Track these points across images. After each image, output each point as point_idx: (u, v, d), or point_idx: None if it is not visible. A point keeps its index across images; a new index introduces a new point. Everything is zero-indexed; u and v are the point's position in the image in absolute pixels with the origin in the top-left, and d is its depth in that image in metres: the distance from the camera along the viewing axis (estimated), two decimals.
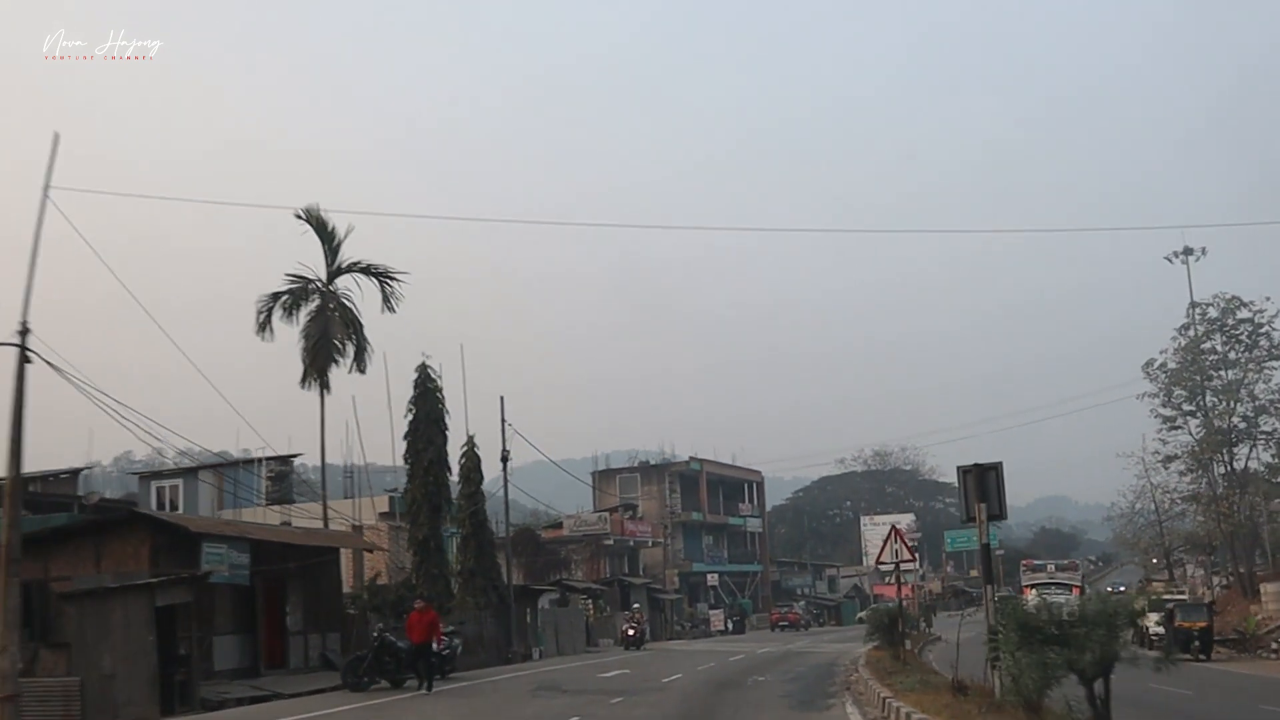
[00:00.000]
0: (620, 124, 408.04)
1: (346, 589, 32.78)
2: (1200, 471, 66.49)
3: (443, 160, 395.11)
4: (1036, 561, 59.78)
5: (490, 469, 39.03)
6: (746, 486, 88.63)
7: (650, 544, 70.25)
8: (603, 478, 79.28)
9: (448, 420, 34.70)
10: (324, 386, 32.22)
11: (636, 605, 47.46)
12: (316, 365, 32.08)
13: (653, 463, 76.82)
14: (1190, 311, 66.90)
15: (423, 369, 34.43)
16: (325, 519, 33.34)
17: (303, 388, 32.66)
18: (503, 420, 40.10)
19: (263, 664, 25.82)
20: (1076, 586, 41.10)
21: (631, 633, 45.35)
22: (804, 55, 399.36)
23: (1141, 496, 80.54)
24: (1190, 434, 66.63)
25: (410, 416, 34.33)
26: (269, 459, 41.01)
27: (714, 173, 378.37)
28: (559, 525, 65.50)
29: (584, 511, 66.26)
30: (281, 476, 42.15)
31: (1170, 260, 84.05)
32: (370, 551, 36.64)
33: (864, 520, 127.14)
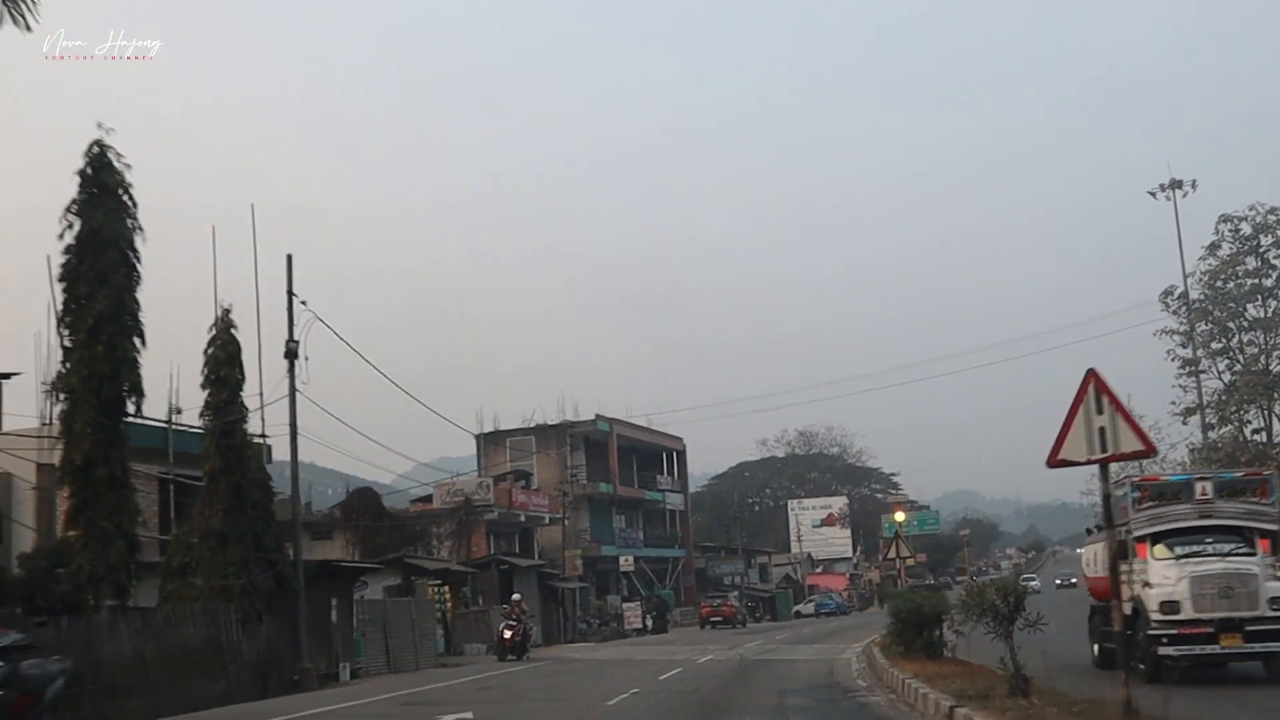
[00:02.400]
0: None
1: None
2: (1235, 425, 53.82)
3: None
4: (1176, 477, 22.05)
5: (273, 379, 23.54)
6: (665, 456, 73.94)
7: (547, 521, 55.04)
8: (490, 442, 63.85)
9: (140, 244, 18.86)
10: None
11: (518, 596, 32.11)
12: None
13: (551, 423, 61.47)
14: (1219, 227, 54.10)
15: (98, 150, 18.48)
16: None
17: None
18: (290, 292, 24.52)
19: None
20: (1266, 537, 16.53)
21: (509, 635, 30.23)
22: None
23: (1125, 465, 68.57)
24: (1219, 379, 54.01)
25: (71, 234, 18.43)
26: None
27: (632, 157, 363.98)
28: (428, 499, 50.07)
29: (458, 477, 50.79)
30: None
31: (1154, 195, 72.40)
32: None
33: (791, 505, 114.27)
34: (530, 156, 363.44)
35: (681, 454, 74.14)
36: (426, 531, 42.10)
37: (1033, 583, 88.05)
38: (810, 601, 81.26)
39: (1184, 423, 55.39)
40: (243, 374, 22.76)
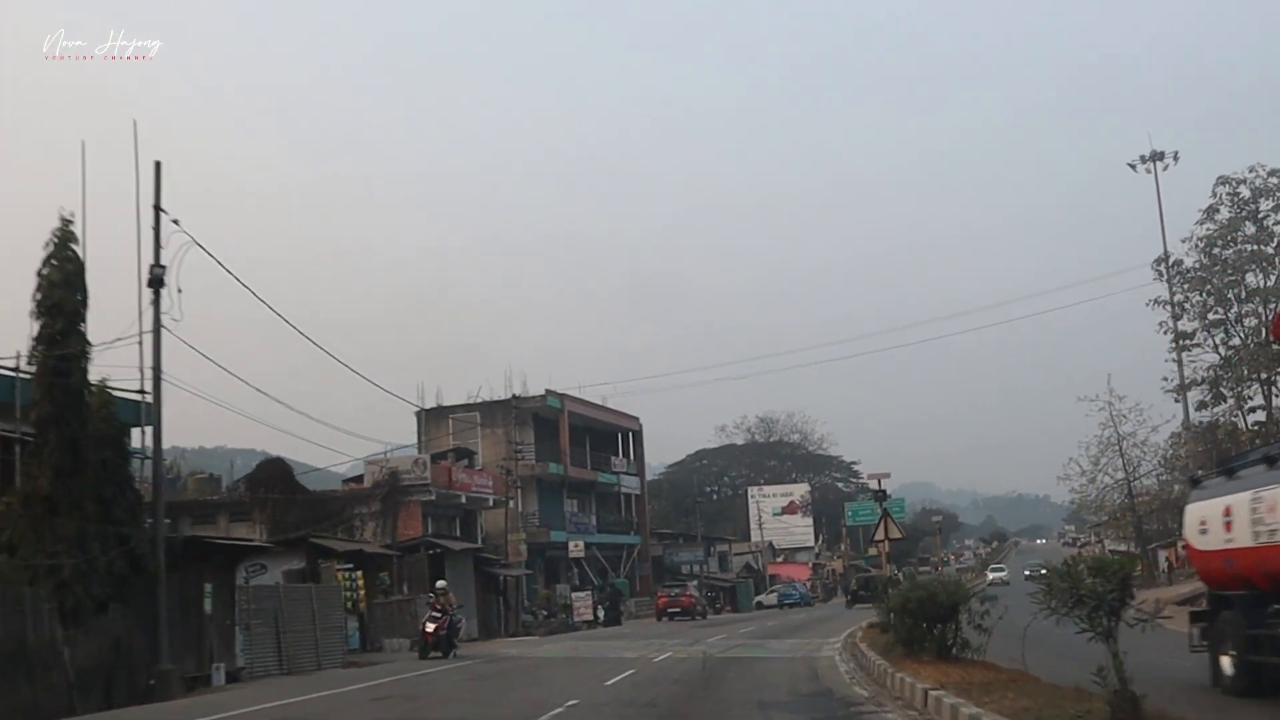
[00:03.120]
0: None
1: None
2: (1231, 403, 50.36)
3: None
4: None
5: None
6: (621, 437, 69.57)
7: (491, 503, 50.49)
8: (432, 419, 59.16)
9: None
10: None
11: (443, 583, 27.34)
12: None
13: (499, 399, 56.77)
14: (1216, 190, 50.46)
15: None
16: None
17: None
18: (157, 206, 19.81)
19: None
20: None
21: (432, 628, 25.68)
22: None
23: (1108, 449, 65.18)
24: (1216, 352, 50.45)
25: None
26: None
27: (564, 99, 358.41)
28: (359, 479, 45.38)
29: (392, 453, 46.11)
30: None
31: (1134, 167, 69.13)
32: None
33: (751, 492, 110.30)
34: (489, 132, 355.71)
35: (638, 435, 69.79)
36: (349, 511, 37.36)
37: (1000, 573, 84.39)
38: (772, 592, 77.27)
39: (1176, 400, 51.94)
40: (85, 300, 18.02)
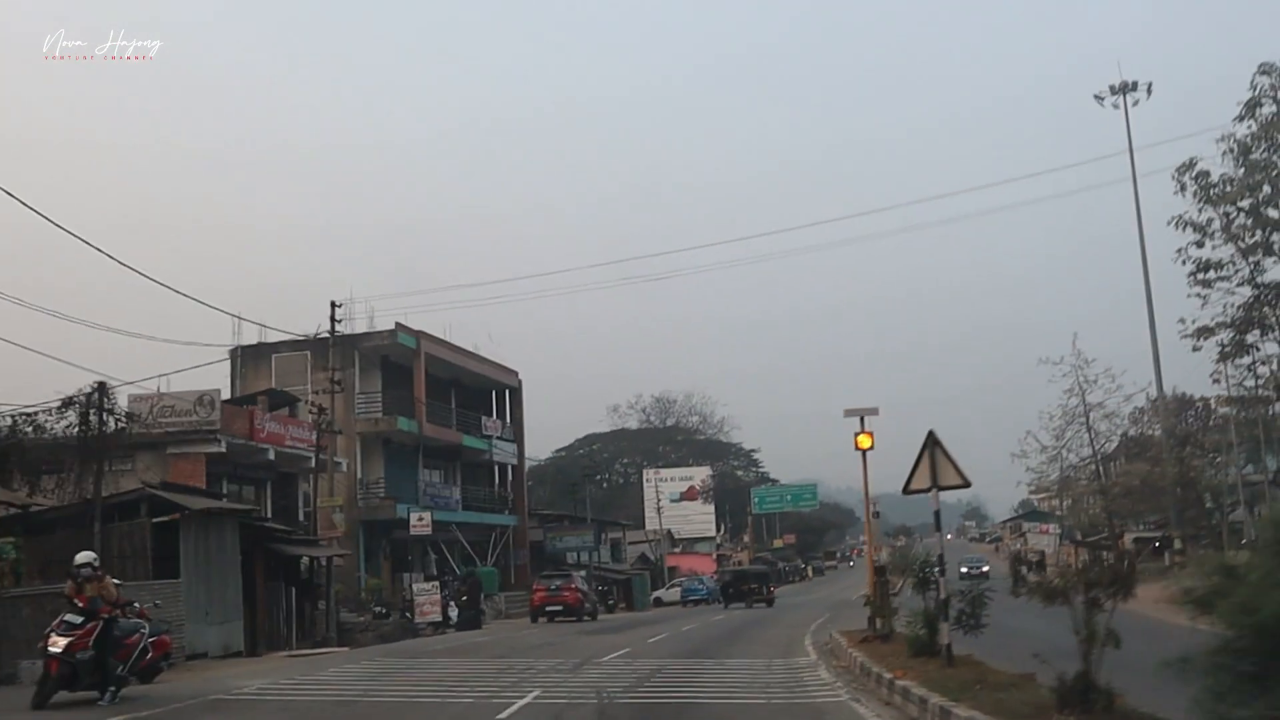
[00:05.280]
0: None
1: None
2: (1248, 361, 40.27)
3: None
4: None
5: None
6: (496, 393, 56.83)
7: (313, 462, 37.43)
8: (251, 359, 45.82)
9: None
10: None
11: (86, 556, 14.07)
12: None
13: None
14: (1256, 81, 39.87)
15: None
16: None
17: None
18: None
19: None
20: None
21: (62, 647, 12.90)
22: None
23: (1074, 422, 55.20)
24: (1251, 284, 40.03)
25: None
26: None
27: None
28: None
29: (166, 386, 32.99)
30: None
31: (1100, 100, 58.76)
32: None
33: (648, 474, 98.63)
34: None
35: (516, 392, 57.09)
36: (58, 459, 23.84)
37: (980, 565, 74.94)
38: (674, 586, 65.55)
39: (1196, 348, 41.34)
40: None
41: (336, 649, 26.34)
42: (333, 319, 31.98)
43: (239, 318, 44.38)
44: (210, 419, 33.00)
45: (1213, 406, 61.94)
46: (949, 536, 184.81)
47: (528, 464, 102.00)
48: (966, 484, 14.08)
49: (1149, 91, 57.48)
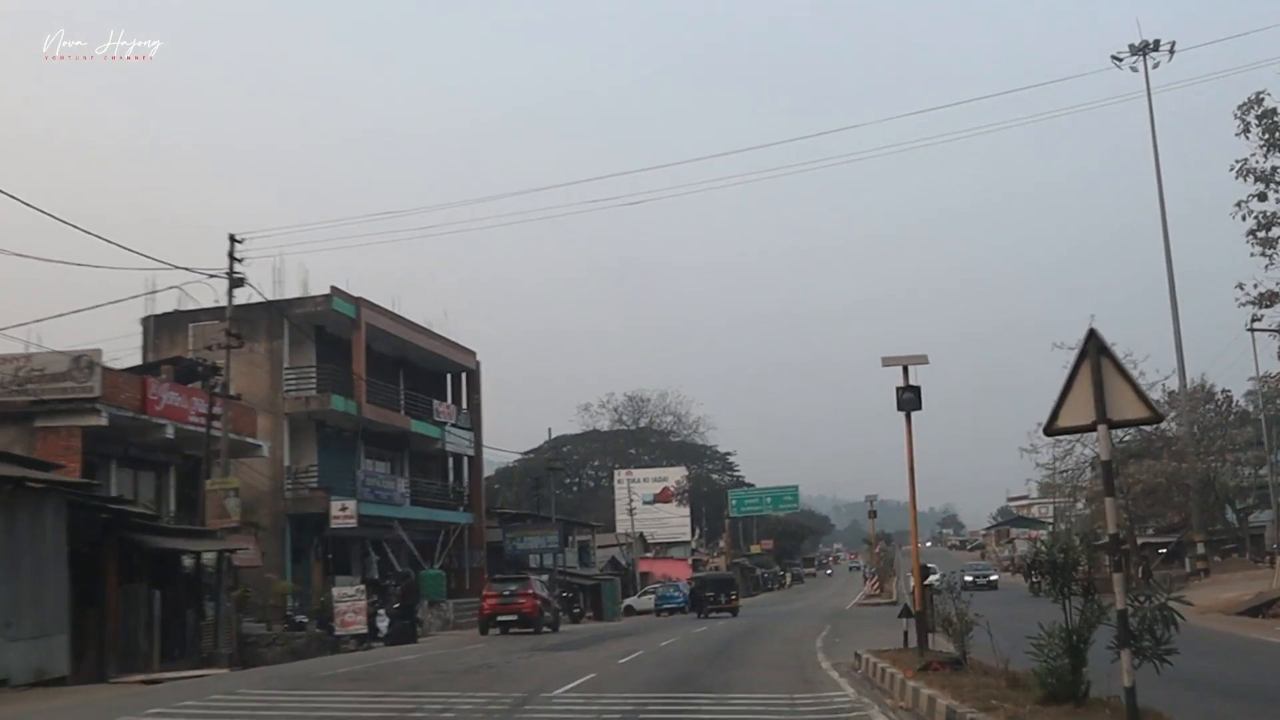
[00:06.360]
0: None
1: None
2: None
3: None
4: None
5: None
6: (451, 377, 50.92)
7: (218, 439, 31.48)
8: (165, 328, 39.79)
9: None
10: None
11: None
12: None
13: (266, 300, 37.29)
14: None
15: None
16: None
17: None
18: None
19: None
20: None
21: None
22: None
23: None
24: None
25: None
26: None
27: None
28: None
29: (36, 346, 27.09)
30: None
31: (1118, 62, 53.63)
32: None
33: (619, 475, 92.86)
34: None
35: (474, 375, 51.13)
36: None
37: (933, 578, 68.14)
38: (647, 593, 59.80)
39: (1257, 316, 35.97)
40: None
41: (218, 671, 20.41)
42: (231, 256, 25.88)
43: (150, 319, 38.28)
44: (87, 385, 27.10)
45: (1234, 399, 56.91)
46: (928, 544, 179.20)
47: (494, 466, 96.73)
48: (1156, 417, 8.57)
49: (1171, 52, 52.60)
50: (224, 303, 31.76)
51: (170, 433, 29.72)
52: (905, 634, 19.15)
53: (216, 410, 31.09)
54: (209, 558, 28.81)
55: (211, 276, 25.45)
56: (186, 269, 27.86)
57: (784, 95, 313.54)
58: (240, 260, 26.06)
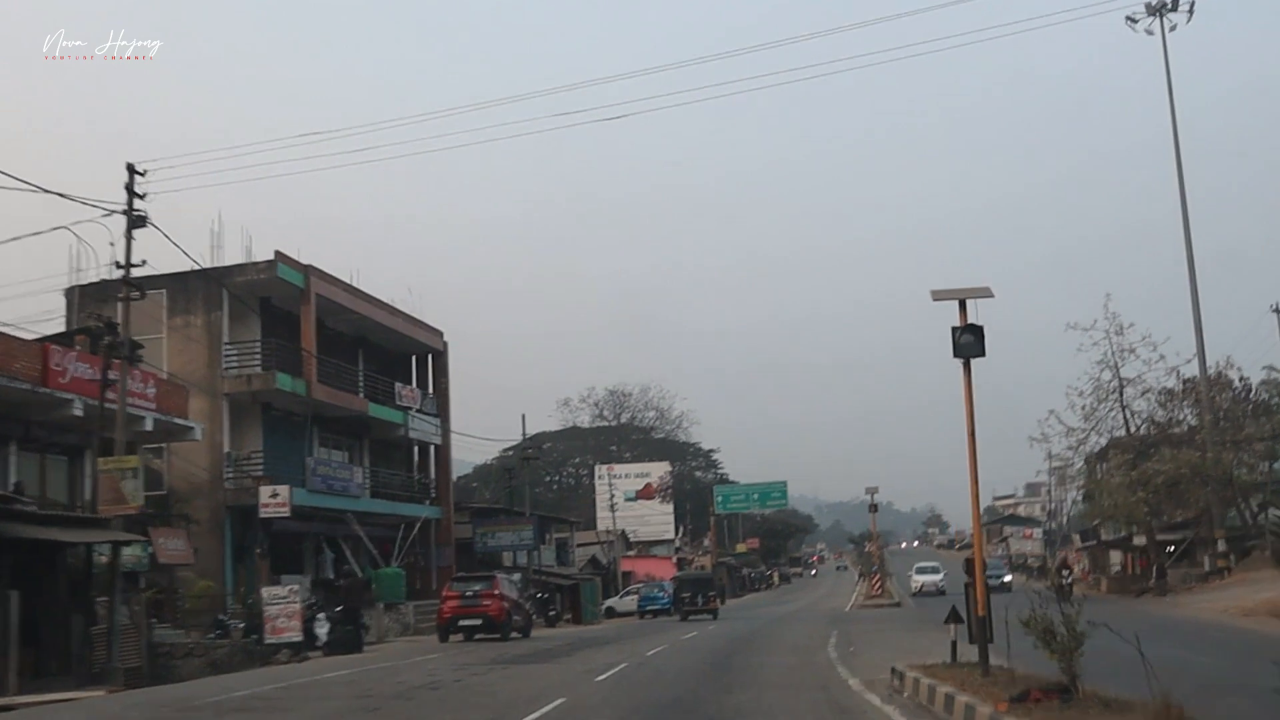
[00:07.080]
0: None
1: None
2: None
3: None
4: None
5: None
6: (417, 359, 46.87)
7: (150, 424, 27.56)
8: (91, 299, 35.42)
9: None
10: None
11: None
12: None
13: (202, 268, 33.11)
14: None
15: None
16: None
17: None
18: None
19: None
20: None
21: None
22: None
23: (1106, 399, 47.14)
24: None
25: None
26: None
27: None
28: None
29: None
30: None
31: (1133, 24, 49.83)
32: None
33: (600, 470, 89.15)
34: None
35: (441, 356, 47.04)
36: None
37: (935, 576, 62.93)
38: (629, 594, 55.91)
39: None
40: None
41: (94, 693, 16.36)
42: (130, 190, 21.72)
43: (74, 290, 33.99)
44: None
45: (1251, 388, 53.18)
46: (915, 544, 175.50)
47: (471, 465, 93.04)
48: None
49: (1191, 12, 48.93)
50: (158, 271, 27.65)
51: (79, 409, 25.67)
52: (954, 644, 15.30)
53: (146, 388, 27.14)
54: (134, 553, 24.87)
55: (108, 214, 21.16)
56: (66, 197, 23.01)
57: (769, 97, 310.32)
58: (142, 196, 21.88)
